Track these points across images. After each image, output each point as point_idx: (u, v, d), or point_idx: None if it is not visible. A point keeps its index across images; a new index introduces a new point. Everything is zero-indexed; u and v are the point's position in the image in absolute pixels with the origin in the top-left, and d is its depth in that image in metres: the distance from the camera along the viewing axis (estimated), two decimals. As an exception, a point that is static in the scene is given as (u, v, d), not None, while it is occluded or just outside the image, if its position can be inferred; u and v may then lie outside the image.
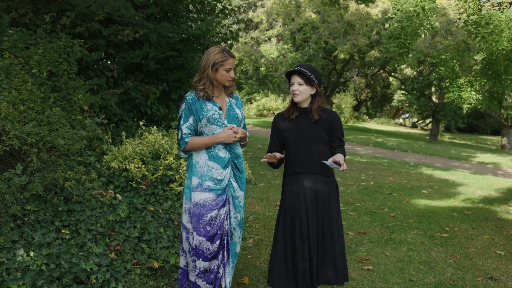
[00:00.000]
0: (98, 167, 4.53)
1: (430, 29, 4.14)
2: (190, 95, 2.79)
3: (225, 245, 2.85)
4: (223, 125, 2.80)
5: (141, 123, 5.47)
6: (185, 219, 2.85)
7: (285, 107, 3.16)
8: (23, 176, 3.00)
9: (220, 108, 2.80)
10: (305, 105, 3.05)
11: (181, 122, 2.77)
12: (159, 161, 4.66)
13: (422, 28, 4.02)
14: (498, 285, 3.68)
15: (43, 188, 3.46)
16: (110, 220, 3.66)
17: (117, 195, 4.12)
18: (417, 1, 3.98)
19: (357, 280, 3.64)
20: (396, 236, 4.82)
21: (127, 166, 4.49)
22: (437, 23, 4.16)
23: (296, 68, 2.98)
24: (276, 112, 25.51)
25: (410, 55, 4.23)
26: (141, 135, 5.45)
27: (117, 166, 4.51)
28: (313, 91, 3.02)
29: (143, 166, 4.53)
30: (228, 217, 2.86)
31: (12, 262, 2.80)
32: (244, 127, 3.00)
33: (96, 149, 5.09)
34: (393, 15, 4.19)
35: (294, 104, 3.07)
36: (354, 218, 5.43)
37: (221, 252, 2.83)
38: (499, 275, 3.87)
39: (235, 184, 2.88)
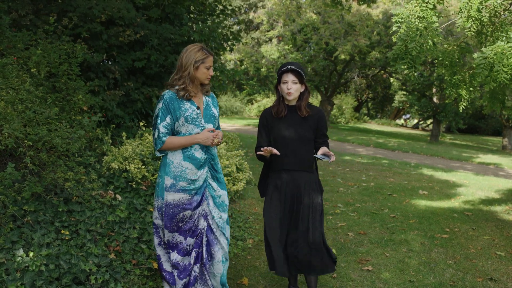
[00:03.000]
0: (98, 167, 4.53)
1: (433, 45, 4.16)
2: (167, 94, 2.77)
3: (203, 245, 2.88)
4: (201, 125, 2.80)
5: (141, 123, 5.47)
6: (154, 215, 2.87)
7: (272, 104, 3.21)
8: (15, 172, 2.98)
9: (198, 108, 2.80)
10: (293, 102, 3.11)
11: (158, 121, 2.75)
12: (159, 162, 4.66)
13: (424, 46, 4.03)
14: (498, 286, 3.67)
15: (43, 189, 3.46)
16: (110, 220, 3.66)
17: (117, 195, 4.13)
18: (421, 13, 3.98)
19: (356, 281, 3.64)
20: (396, 237, 4.82)
21: (127, 167, 4.49)
22: (437, 40, 4.17)
23: (291, 67, 3.02)
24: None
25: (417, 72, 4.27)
26: (142, 135, 5.45)
27: (117, 167, 4.52)
28: (302, 89, 3.09)
29: (143, 166, 4.53)
30: (209, 217, 2.88)
31: (11, 262, 2.80)
32: (218, 127, 3.01)
33: (96, 149, 5.09)
34: (396, 28, 4.19)
35: (282, 102, 3.12)
36: (354, 219, 5.43)
37: (194, 251, 2.85)
38: (499, 276, 3.86)
39: (214, 184, 2.90)
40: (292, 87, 3.02)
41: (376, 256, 4.21)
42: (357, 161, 10.91)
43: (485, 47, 3.82)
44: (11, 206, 3.05)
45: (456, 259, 4.23)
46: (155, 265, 3.37)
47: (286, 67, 3.03)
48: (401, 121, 35.85)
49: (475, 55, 3.73)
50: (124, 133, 5.11)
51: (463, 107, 4.73)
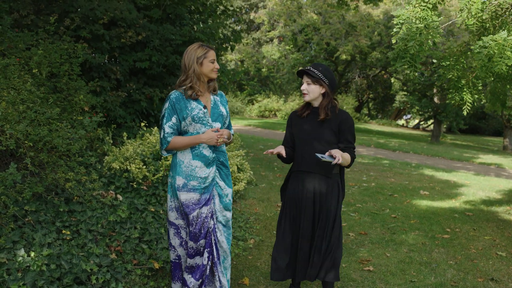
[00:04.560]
0: (99, 167, 4.54)
1: (432, 45, 4.15)
2: (174, 94, 2.78)
3: (213, 244, 2.87)
4: (208, 124, 2.80)
5: (142, 124, 5.47)
6: (172, 216, 2.87)
7: (300, 105, 3.23)
8: (16, 173, 2.99)
9: (204, 107, 2.81)
10: (316, 104, 3.08)
11: (164, 121, 2.77)
12: (160, 162, 4.66)
13: (424, 45, 4.02)
14: (499, 286, 3.67)
15: (44, 189, 3.46)
16: (111, 220, 3.66)
17: (118, 195, 4.13)
18: (421, 14, 3.97)
19: (357, 281, 3.64)
20: (397, 237, 4.82)
21: (128, 167, 4.49)
22: (438, 39, 4.16)
23: (305, 68, 3.04)
24: (277, 114, 25.57)
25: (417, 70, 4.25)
26: (142, 135, 5.46)
27: (118, 167, 4.52)
28: (322, 90, 3.04)
29: (144, 166, 4.53)
30: (214, 216, 2.88)
31: (12, 262, 2.80)
32: (229, 125, 3.01)
33: (97, 149, 5.09)
34: (397, 29, 4.18)
35: (307, 103, 3.12)
36: (355, 219, 5.43)
37: (206, 251, 2.84)
38: (500, 276, 3.86)
39: (221, 183, 2.90)
40: (306, 88, 3.02)
41: (377, 257, 4.20)
42: (358, 161, 10.90)
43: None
44: (12, 206, 3.05)
45: (457, 260, 4.22)
46: (156, 265, 3.37)
47: (303, 68, 3.05)
48: (402, 122, 35.82)
49: (475, 48, 3.70)
50: (125, 133, 5.11)
51: (468, 110, 4.70)
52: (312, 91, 3.01)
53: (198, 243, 2.82)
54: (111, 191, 4.09)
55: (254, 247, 4.27)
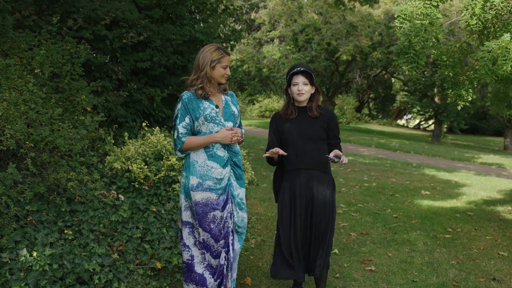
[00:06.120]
0: (101, 167, 4.54)
1: (436, 42, 4.15)
2: (186, 94, 2.80)
3: (230, 245, 2.87)
4: (220, 123, 2.82)
5: (143, 124, 5.48)
6: (186, 216, 2.86)
7: (282, 107, 3.24)
8: (16, 172, 2.98)
9: (216, 106, 2.82)
10: (304, 103, 3.13)
11: (177, 121, 2.78)
12: (161, 162, 4.67)
13: (428, 42, 4.01)
14: (501, 286, 3.67)
15: (46, 189, 3.47)
16: (113, 220, 3.67)
17: (120, 195, 4.13)
18: (424, 11, 3.96)
19: (359, 281, 3.64)
20: (398, 237, 4.82)
21: (130, 167, 4.50)
22: (441, 36, 4.16)
23: (301, 69, 3.05)
24: (277, 113, 25.53)
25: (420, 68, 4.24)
26: (144, 136, 5.46)
27: (119, 167, 4.52)
28: (313, 90, 3.12)
29: (146, 166, 4.54)
30: (231, 216, 2.88)
31: (15, 262, 2.80)
32: (240, 125, 3.03)
33: (99, 149, 5.10)
34: (398, 24, 4.17)
35: (292, 104, 3.14)
36: (356, 219, 5.43)
37: (223, 251, 2.84)
38: (502, 276, 3.86)
39: (234, 183, 2.91)
40: (303, 89, 3.04)
41: (379, 256, 4.21)
42: (359, 161, 10.90)
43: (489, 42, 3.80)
44: (13, 206, 3.05)
45: (459, 259, 4.22)
46: (158, 265, 3.38)
47: (296, 69, 3.05)
48: (403, 122, 35.81)
49: (479, 53, 3.71)
50: (126, 133, 5.11)
51: (462, 106, 4.73)
52: (308, 91, 3.08)
53: (219, 243, 2.82)
54: (113, 191, 4.10)
55: (256, 247, 4.28)
